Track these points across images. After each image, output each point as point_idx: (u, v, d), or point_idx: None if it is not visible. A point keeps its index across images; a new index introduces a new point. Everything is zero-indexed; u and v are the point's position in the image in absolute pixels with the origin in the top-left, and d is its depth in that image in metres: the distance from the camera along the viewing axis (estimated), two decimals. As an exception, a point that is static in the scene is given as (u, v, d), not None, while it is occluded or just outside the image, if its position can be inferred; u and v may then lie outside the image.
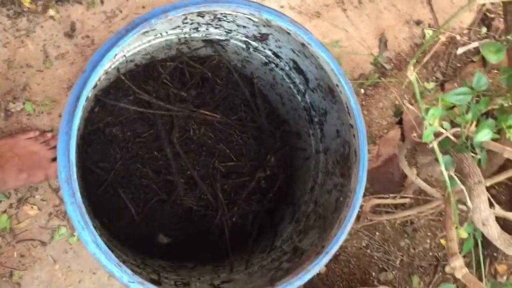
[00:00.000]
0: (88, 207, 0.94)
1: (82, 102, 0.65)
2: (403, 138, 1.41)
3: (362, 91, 1.43)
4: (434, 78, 1.48)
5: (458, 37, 1.49)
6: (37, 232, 1.20)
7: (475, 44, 1.53)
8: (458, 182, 0.76)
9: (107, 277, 1.21)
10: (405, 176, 1.33)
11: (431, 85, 1.46)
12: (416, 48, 1.48)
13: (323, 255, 0.70)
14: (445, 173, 0.77)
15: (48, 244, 1.20)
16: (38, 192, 1.21)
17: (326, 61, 0.74)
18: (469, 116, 0.69)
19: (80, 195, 0.88)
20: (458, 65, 1.49)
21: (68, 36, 1.25)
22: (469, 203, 0.76)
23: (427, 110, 0.69)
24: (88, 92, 0.65)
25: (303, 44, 0.77)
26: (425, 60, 0.73)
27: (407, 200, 1.30)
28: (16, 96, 1.22)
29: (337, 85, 0.77)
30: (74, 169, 0.65)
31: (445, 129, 0.72)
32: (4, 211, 1.18)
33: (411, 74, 0.68)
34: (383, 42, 1.46)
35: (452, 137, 0.79)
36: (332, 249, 0.70)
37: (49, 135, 1.20)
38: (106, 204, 1.01)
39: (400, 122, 1.43)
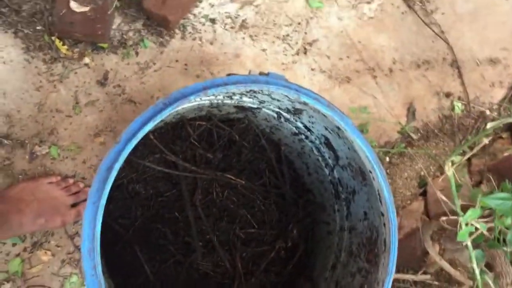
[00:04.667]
0: (103, 266, 0.92)
1: (114, 174, 0.64)
2: (426, 210, 1.38)
3: (387, 159, 1.41)
4: (461, 151, 1.46)
5: (487, 112, 1.48)
6: (48, 279, 1.18)
7: (504, 121, 1.52)
8: (490, 282, 0.73)
9: (114, 332, 1.18)
10: (427, 252, 1.29)
11: (458, 158, 1.44)
12: (445, 119, 1.46)
13: None
14: (477, 271, 0.74)
15: (58, 292, 1.18)
16: (53, 238, 1.20)
17: (361, 147, 0.72)
18: (509, 221, 0.67)
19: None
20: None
21: (100, 84, 1.27)
22: (501, 306, 0.73)
23: (464, 209, 0.67)
24: (121, 164, 0.65)
25: (338, 127, 0.76)
26: (465, 157, 0.71)
27: (428, 277, 1.26)
28: (42, 139, 1.22)
29: (370, 172, 0.76)
30: (98, 242, 0.63)
31: (481, 228, 0.69)
32: (18, 255, 1.17)
33: (449, 169, 0.67)
34: (411, 112, 1.45)
35: (486, 232, 0.76)
36: None
37: (70, 181, 1.20)
38: (122, 262, 0.99)
39: (424, 194, 1.41)
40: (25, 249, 1.18)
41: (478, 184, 1.38)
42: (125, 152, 0.64)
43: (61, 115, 1.24)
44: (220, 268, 1.00)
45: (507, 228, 0.75)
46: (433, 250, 1.01)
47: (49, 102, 1.24)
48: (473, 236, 0.71)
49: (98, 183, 0.65)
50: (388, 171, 1.41)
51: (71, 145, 1.23)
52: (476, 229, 0.72)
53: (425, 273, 1.27)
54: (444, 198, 0.73)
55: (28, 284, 1.17)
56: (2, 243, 1.17)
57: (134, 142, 0.64)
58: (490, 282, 0.73)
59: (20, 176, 1.20)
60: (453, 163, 0.66)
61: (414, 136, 1.43)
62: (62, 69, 1.25)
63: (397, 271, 1.28)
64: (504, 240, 0.81)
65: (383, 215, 0.74)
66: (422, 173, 1.41)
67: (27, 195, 1.15)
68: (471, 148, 1.47)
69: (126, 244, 1.00)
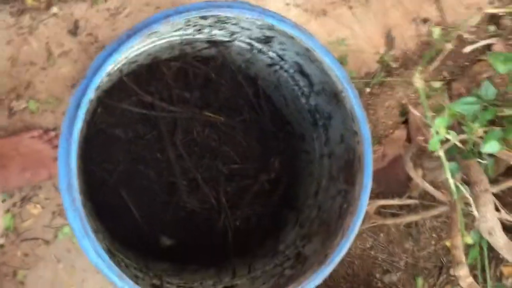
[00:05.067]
0: (90, 209, 0.94)
1: (83, 110, 0.64)
2: (409, 138, 1.39)
3: (368, 90, 1.41)
4: (441, 77, 1.46)
5: (465, 36, 1.47)
6: (40, 231, 1.20)
7: (483, 43, 1.51)
8: (465, 191, 0.75)
9: (110, 276, 1.21)
10: (410, 177, 1.31)
11: (438, 84, 1.44)
12: (423, 46, 1.45)
13: (327, 265, 0.69)
14: (451, 181, 0.76)
15: (51, 243, 1.20)
16: (41, 191, 1.21)
17: (331, 66, 0.72)
18: (476, 125, 0.68)
19: (83, 197, 0.88)
20: (466, 63, 1.46)
21: (71, 34, 1.24)
22: (475, 212, 0.75)
23: (433, 118, 0.68)
24: (88, 99, 0.64)
25: (307, 49, 0.76)
26: (435, 64, 0.71)
27: (412, 202, 1.28)
28: (20, 94, 1.21)
29: (341, 91, 0.76)
30: (75, 177, 0.64)
31: (452, 137, 0.70)
32: (8, 210, 1.18)
33: (417, 81, 0.67)
34: (389, 40, 1.43)
35: (458, 144, 0.77)
36: (336, 259, 0.69)
37: (52, 133, 1.20)
38: (109, 206, 1.00)
39: (406, 122, 1.42)
40: (14, 204, 1.19)
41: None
42: (92, 85, 0.63)
43: (35, 68, 1.22)
44: (206, 204, 1.02)
45: (480, 137, 0.76)
46: (414, 172, 1.03)
47: (21, 56, 1.22)
48: (446, 147, 0.72)
49: (68, 120, 0.65)
50: (369, 101, 1.41)
51: (49, 97, 1.22)
52: (448, 140, 0.73)
53: (409, 197, 1.29)
54: (418, 114, 0.74)
55: (21, 238, 1.19)
56: (-10, 200, 1.17)
57: (101, 74, 0.64)
58: (465, 192, 0.75)
59: (1, 133, 1.20)
60: (421, 72, 0.66)
61: (394, 65, 1.43)
62: (31, 21, 1.22)
63: (383, 197, 1.31)
64: (478, 153, 0.83)
65: (356, 133, 0.75)
66: (403, 101, 1.42)
67: (9, 150, 1.15)
68: (450, 73, 1.47)
69: (112, 189, 1.01)
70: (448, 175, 0.74)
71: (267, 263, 0.90)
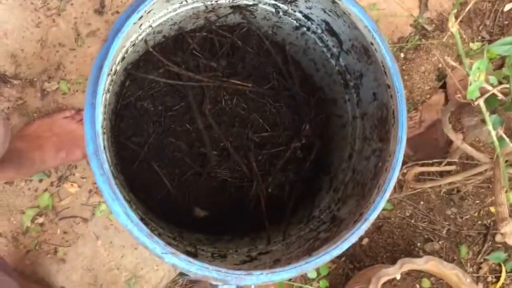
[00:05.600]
0: (123, 182, 0.94)
1: (105, 72, 0.63)
2: (447, 102, 1.34)
3: (402, 55, 1.36)
4: (480, 37, 1.39)
5: (505, -8, 1.39)
6: (78, 209, 1.22)
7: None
8: (508, 142, 0.70)
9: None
10: (450, 142, 1.26)
11: (476, 45, 1.38)
12: (460, 6, 1.39)
13: (362, 222, 0.66)
14: (493, 133, 0.71)
15: (89, 221, 1.22)
16: (77, 170, 1.23)
17: (359, 17, 0.69)
18: (518, 67, 0.63)
19: (115, 170, 0.88)
20: (506, 22, 1.39)
21: (98, 13, 1.25)
22: (519, 164, 0.70)
23: (471, 64, 0.63)
24: (110, 61, 0.64)
25: (333, 1, 0.72)
26: (466, 9, 0.67)
27: (452, 167, 1.23)
28: (51, 75, 1.23)
29: (371, 43, 0.72)
30: (101, 140, 0.64)
31: (492, 85, 0.66)
32: (46, 190, 1.21)
33: (453, 26, 0.63)
34: (423, 2, 1.38)
35: (499, 94, 0.73)
36: (371, 216, 0.67)
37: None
38: (142, 179, 1.00)
39: (443, 86, 1.36)
40: (52, 184, 1.21)
41: (499, 67, 1.33)
42: (113, 47, 0.62)
43: (64, 49, 1.23)
44: (237, 173, 1.01)
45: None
46: (453, 133, 0.98)
47: (50, 38, 1.23)
48: (486, 96, 0.68)
49: (92, 85, 0.65)
50: (404, 67, 1.36)
51: (79, 78, 1.23)
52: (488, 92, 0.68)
53: (449, 163, 1.24)
54: (454, 63, 0.70)
55: (60, 216, 1.21)
56: (29, 180, 1.20)
57: (121, 36, 0.63)
58: (509, 142, 0.71)
59: (34, 114, 1.22)
60: (456, 17, 0.62)
61: (429, 28, 1.37)
62: (58, 2, 1.23)
63: (422, 164, 1.26)
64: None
65: (389, 87, 0.72)
66: (440, 65, 1.36)
67: (44, 131, 1.17)
68: (489, 33, 1.40)
69: (144, 161, 1.01)
70: (490, 126, 0.70)
71: (302, 228, 0.88)
